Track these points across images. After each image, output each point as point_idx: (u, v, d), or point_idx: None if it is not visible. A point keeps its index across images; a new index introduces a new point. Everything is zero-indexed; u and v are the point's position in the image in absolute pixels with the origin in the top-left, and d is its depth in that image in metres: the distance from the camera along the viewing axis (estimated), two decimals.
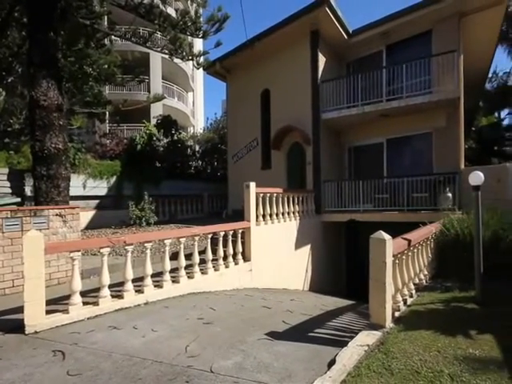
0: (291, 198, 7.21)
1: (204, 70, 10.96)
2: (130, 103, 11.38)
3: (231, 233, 5.27)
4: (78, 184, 9.20)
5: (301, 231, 7.37)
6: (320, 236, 8.48)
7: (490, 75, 13.65)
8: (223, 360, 2.40)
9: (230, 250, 5.21)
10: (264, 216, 6.22)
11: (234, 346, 2.66)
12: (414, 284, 3.97)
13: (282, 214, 6.83)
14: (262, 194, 6.16)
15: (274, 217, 6.53)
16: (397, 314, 3.21)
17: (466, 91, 7.79)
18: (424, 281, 4.36)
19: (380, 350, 2.49)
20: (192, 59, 7.93)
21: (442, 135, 8.01)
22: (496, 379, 2.06)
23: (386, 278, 2.88)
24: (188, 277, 4.48)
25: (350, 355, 2.40)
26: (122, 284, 3.75)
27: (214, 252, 5.00)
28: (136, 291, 3.83)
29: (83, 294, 3.50)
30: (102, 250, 3.54)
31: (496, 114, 17.93)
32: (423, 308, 3.47)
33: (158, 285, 4.12)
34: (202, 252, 4.99)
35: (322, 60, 8.84)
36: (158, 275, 4.30)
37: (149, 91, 16.44)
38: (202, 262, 4.82)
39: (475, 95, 12.47)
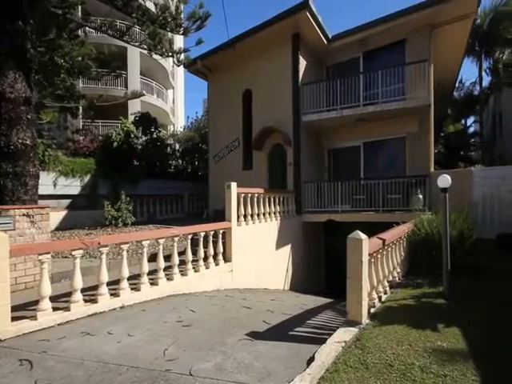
0: (272, 199, 7.27)
1: (185, 67, 10.74)
2: (105, 98, 10.90)
3: (212, 233, 5.22)
4: (48, 182, 8.66)
5: (282, 231, 7.45)
6: (300, 236, 8.63)
7: (457, 85, 14.61)
8: (203, 362, 2.38)
9: (211, 251, 5.15)
10: (245, 216, 6.22)
11: (214, 348, 2.63)
12: (388, 281, 4.16)
13: (263, 214, 6.87)
14: (243, 195, 6.16)
15: (256, 217, 6.55)
16: (372, 310, 3.35)
17: (436, 99, 8.28)
18: (397, 278, 4.57)
19: (356, 346, 2.58)
20: (172, 56, 7.75)
21: (414, 140, 8.46)
22: (462, 370, 2.21)
23: (363, 277, 3.00)
24: (167, 279, 4.38)
25: (328, 352, 2.47)
26: (96, 288, 3.59)
27: (195, 253, 4.93)
28: (111, 295, 3.68)
29: (53, 298, 3.31)
30: (73, 253, 3.37)
31: (462, 122, 19.27)
32: (396, 304, 3.64)
33: (135, 288, 3.98)
34: (181, 253, 4.90)
35: (302, 63, 9.00)
36: (135, 278, 4.16)
37: (126, 87, 15.87)
38: (182, 263, 4.73)
39: (444, 103, 13.29)
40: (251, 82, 10.02)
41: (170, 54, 7.67)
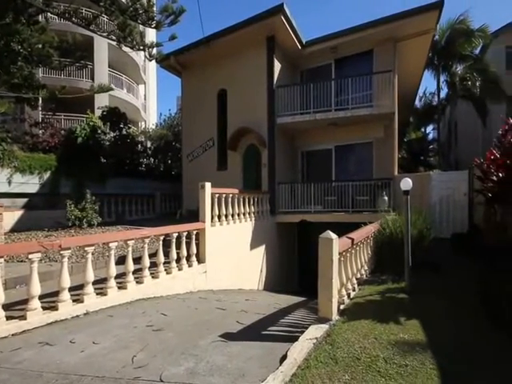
0: (247, 199, 7.28)
1: (157, 62, 10.37)
2: (69, 90, 10.14)
3: (185, 234, 5.10)
4: (1, 179, 7.88)
5: (256, 232, 7.49)
6: (274, 236, 8.74)
7: (418, 95, 15.77)
8: (174, 367, 2.31)
9: (184, 252, 5.03)
10: (219, 217, 6.16)
11: (187, 351, 2.58)
12: (357, 279, 4.36)
13: (238, 214, 6.86)
14: (217, 195, 6.10)
15: (230, 217, 6.52)
16: (342, 307, 3.49)
17: (400, 107, 8.88)
18: (365, 275, 4.82)
19: (327, 342, 2.68)
20: (143, 50, 7.45)
21: (380, 145, 8.99)
22: (421, 359, 2.39)
23: (333, 275, 3.12)
24: (137, 282, 4.19)
25: (300, 349, 2.53)
26: (56, 294, 3.33)
27: (167, 254, 4.78)
28: (74, 301, 3.44)
29: (7, 306, 3.03)
30: (30, 256, 3.10)
31: (423, 129, 20.87)
32: (363, 300, 3.84)
33: (101, 292, 3.77)
34: (153, 255, 4.73)
35: (277, 66, 9.14)
36: (101, 282, 3.94)
37: (92, 79, 14.95)
38: (154, 265, 4.57)
39: (407, 111, 14.30)
40: (226, 82, 9.96)
41: (142, 47, 7.36)
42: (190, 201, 9.52)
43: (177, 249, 4.93)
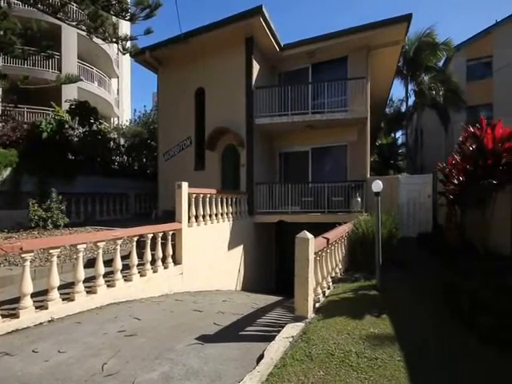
0: (225, 199, 7.23)
1: (131, 56, 9.96)
2: (33, 81, 9.44)
3: (161, 235, 4.95)
4: None
5: (234, 232, 7.46)
6: (252, 236, 8.76)
7: (389, 102, 16.66)
8: (148, 373, 2.24)
9: (159, 254, 4.88)
10: (197, 217, 6.06)
11: (161, 356, 2.51)
12: (332, 277, 4.51)
13: (216, 215, 6.79)
14: (194, 195, 5.99)
15: (208, 218, 6.44)
16: (317, 305, 3.59)
17: (372, 113, 9.31)
18: (339, 274, 4.99)
19: (302, 340, 2.74)
20: (117, 42, 7.13)
21: (354, 148, 9.37)
22: (390, 352, 2.53)
23: (309, 274, 3.19)
24: (108, 285, 4.00)
25: (276, 348, 2.56)
26: (18, 300, 3.08)
27: (141, 256, 4.61)
28: (37, 307, 3.21)
29: None
30: None
31: (392, 134, 22.08)
32: (338, 298, 3.98)
33: (67, 298, 3.55)
34: (126, 257, 4.54)
35: (256, 67, 9.17)
36: (68, 286, 3.71)
37: (60, 70, 14.01)
38: (127, 268, 4.38)
39: (378, 117, 15.04)
40: (204, 81, 9.82)
41: (115, 39, 7.04)
42: (166, 201, 9.26)
43: (152, 250, 4.77)
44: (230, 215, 7.44)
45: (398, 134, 22.94)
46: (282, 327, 2.99)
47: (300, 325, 3.03)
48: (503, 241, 4.84)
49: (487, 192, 4.54)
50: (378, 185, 4.29)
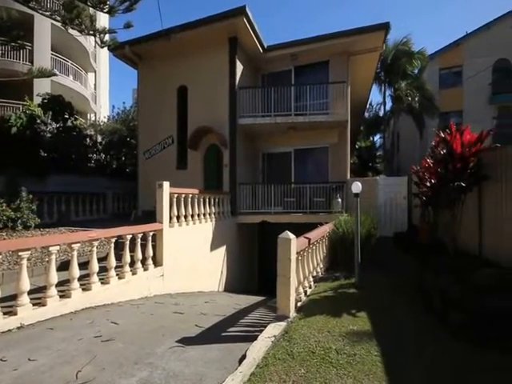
0: (207, 200, 7.16)
1: (110, 50, 9.58)
2: (2, 73, 8.85)
3: (140, 236, 4.81)
4: None
5: (216, 233, 7.40)
6: (235, 237, 8.73)
7: (368, 106, 17.27)
8: (126, 379, 2.18)
9: (139, 255, 4.74)
10: (178, 217, 5.95)
11: (140, 361, 2.44)
12: (313, 276, 4.60)
13: (198, 215, 6.70)
14: (176, 195, 5.88)
15: (190, 218, 6.34)
16: (299, 304, 3.64)
17: (352, 116, 9.61)
18: (320, 273, 5.09)
19: (284, 339, 2.77)
20: (94, 35, 6.84)
21: (335, 150, 9.62)
22: (368, 348, 2.62)
23: (291, 273, 3.24)
24: (83, 289, 3.83)
25: (258, 348, 2.58)
26: None
27: (119, 258, 4.45)
28: (5, 313, 3.01)
29: None
30: None
31: (371, 138, 22.91)
32: (319, 296, 4.06)
33: (39, 303, 3.35)
34: (104, 259, 4.36)
35: (239, 67, 9.16)
36: (39, 291, 3.51)
37: (32, 62, 13.23)
38: (104, 270, 4.21)
39: (358, 120, 15.54)
40: (187, 79, 9.66)
41: (92, 32, 6.75)
42: (147, 201, 9.00)
43: (131, 252, 4.62)
44: (213, 215, 7.37)
45: (377, 137, 23.84)
46: (265, 327, 3.01)
47: (282, 324, 3.06)
48: (471, 241, 5.17)
49: (456, 194, 4.83)
50: (357, 186, 4.44)
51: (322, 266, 5.24)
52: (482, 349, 2.58)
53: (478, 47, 16.96)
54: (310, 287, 4.34)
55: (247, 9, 7.98)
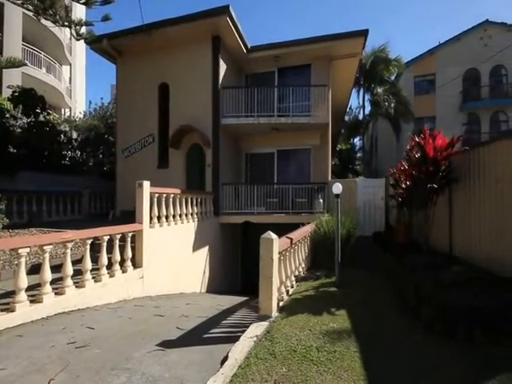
0: (189, 200, 7.04)
1: (86, 43, 9.13)
2: None
3: (119, 237, 4.64)
4: None
5: (199, 233, 7.30)
6: (218, 237, 8.67)
7: (348, 110, 17.78)
8: None
9: (117, 257, 4.57)
10: (159, 218, 5.81)
11: (118, 366, 2.36)
12: (295, 276, 4.66)
13: (180, 215, 6.58)
14: (157, 194, 5.74)
15: (171, 218, 6.21)
16: (281, 303, 3.68)
17: (333, 119, 9.86)
18: (302, 272, 5.17)
19: (266, 338, 2.79)
20: (69, 26, 6.51)
21: (317, 151, 9.82)
22: (347, 344, 2.70)
23: (273, 273, 3.27)
24: (56, 293, 3.64)
25: (241, 349, 2.57)
26: None
27: (96, 260, 4.28)
28: None
29: None
30: None
31: (351, 140, 23.61)
32: (300, 296, 4.12)
33: (7, 308, 3.15)
34: (79, 261, 4.17)
35: (223, 66, 9.10)
36: (8, 296, 3.30)
37: (1, 52, 12.38)
38: (79, 273, 4.03)
39: (339, 123, 15.95)
40: (169, 76, 9.46)
41: (67, 23, 6.42)
42: (126, 200, 8.71)
43: (109, 253, 4.46)
44: (195, 216, 7.27)
45: (357, 140, 24.60)
46: (247, 327, 3.01)
47: (264, 324, 3.08)
48: (443, 240, 5.47)
49: (429, 195, 5.10)
50: (337, 187, 4.56)
51: (304, 265, 5.32)
52: (451, 341, 2.74)
53: (449, 57, 18.01)
54: (292, 287, 4.39)
55: (231, 8, 7.95)
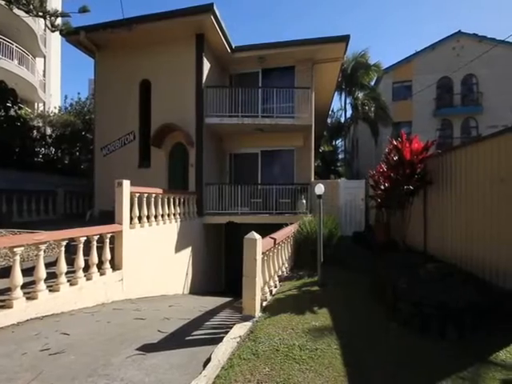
0: (172, 200, 6.91)
1: (62, 35, 8.69)
2: None
3: (96, 238, 4.46)
4: None
5: (182, 234, 7.17)
6: (201, 238, 8.56)
7: (330, 112, 18.22)
8: None
9: (95, 259, 4.39)
10: (140, 218, 5.65)
11: (95, 373, 2.27)
12: (278, 276, 4.70)
13: (162, 215, 6.43)
14: (138, 194, 5.57)
15: (153, 219, 6.05)
16: (264, 303, 3.70)
17: (316, 121, 10.04)
18: (285, 272, 5.23)
19: (250, 339, 2.79)
20: (44, 17, 6.19)
21: (300, 153, 9.97)
22: (328, 342, 2.76)
23: (257, 273, 3.28)
24: (27, 298, 3.44)
25: (224, 350, 2.56)
26: None
27: (72, 263, 4.09)
28: None
29: None
30: None
31: (334, 142, 24.18)
32: (284, 295, 4.17)
33: None
34: (53, 264, 3.97)
35: (206, 65, 9.00)
36: None
37: None
38: (54, 276, 3.83)
39: (321, 126, 16.28)
40: (151, 73, 9.22)
41: (41, 13, 6.10)
42: (105, 200, 8.38)
43: (86, 255, 4.27)
44: (178, 216, 7.14)
45: (339, 141, 25.22)
46: (231, 328, 2.99)
47: (248, 324, 3.08)
48: (418, 238, 5.74)
49: (406, 196, 5.33)
50: (320, 188, 4.65)
51: (287, 265, 5.38)
52: (426, 336, 2.88)
53: (424, 65, 18.91)
54: (276, 286, 4.43)
55: (215, 7, 7.89)
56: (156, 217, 6.21)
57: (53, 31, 6.76)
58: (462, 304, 2.88)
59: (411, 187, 5.14)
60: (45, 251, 3.80)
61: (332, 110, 20.94)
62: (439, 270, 3.84)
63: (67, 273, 3.94)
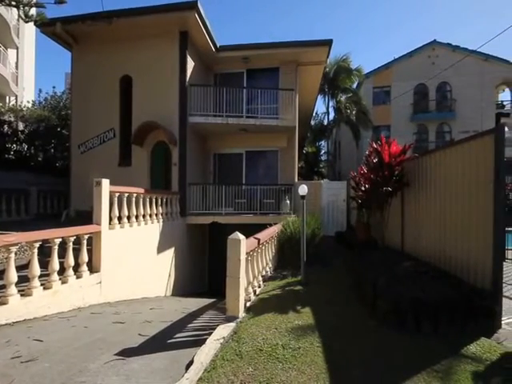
0: (154, 200, 6.74)
1: (37, 26, 8.25)
2: None
3: (73, 239, 4.27)
4: None
5: (164, 234, 7.02)
6: (184, 238, 8.41)
7: (314, 114, 18.54)
8: None
9: (71, 261, 4.19)
10: (120, 218, 5.46)
11: (71, 380, 2.18)
12: (262, 276, 4.72)
13: (143, 216, 6.26)
14: (117, 194, 5.39)
15: (134, 219, 5.87)
16: (248, 304, 3.70)
17: (300, 122, 10.21)
18: (269, 272, 5.26)
19: (233, 339, 2.78)
20: (17, 6, 5.86)
21: (284, 153, 10.07)
22: (311, 340, 2.80)
23: (240, 274, 3.28)
24: None
25: (207, 351, 2.53)
26: None
27: (46, 266, 3.88)
28: None
29: None
30: None
31: (317, 144, 24.63)
32: (267, 295, 4.19)
33: None
34: (26, 267, 3.75)
35: (190, 63, 8.87)
36: None
37: None
38: (26, 280, 3.62)
39: (305, 127, 16.56)
40: (132, 68, 8.95)
41: (14, 3, 5.77)
42: (82, 200, 8.04)
43: (61, 258, 4.07)
44: (160, 216, 6.98)
45: (322, 143, 25.70)
46: (214, 329, 2.97)
47: (231, 325, 3.07)
48: (396, 238, 5.97)
49: (385, 198, 5.54)
50: (303, 189, 4.73)
51: (271, 265, 5.41)
52: (402, 331, 3.00)
53: (402, 72, 19.76)
54: (260, 286, 4.44)
55: (199, 4, 7.79)
56: (137, 217, 6.04)
57: (26, 22, 6.40)
58: (436, 300, 3.03)
59: (389, 188, 5.34)
60: (16, 254, 3.59)
61: (316, 112, 21.33)
62: (415, 268, 4.02)
63: (41, 276, 3.74)
